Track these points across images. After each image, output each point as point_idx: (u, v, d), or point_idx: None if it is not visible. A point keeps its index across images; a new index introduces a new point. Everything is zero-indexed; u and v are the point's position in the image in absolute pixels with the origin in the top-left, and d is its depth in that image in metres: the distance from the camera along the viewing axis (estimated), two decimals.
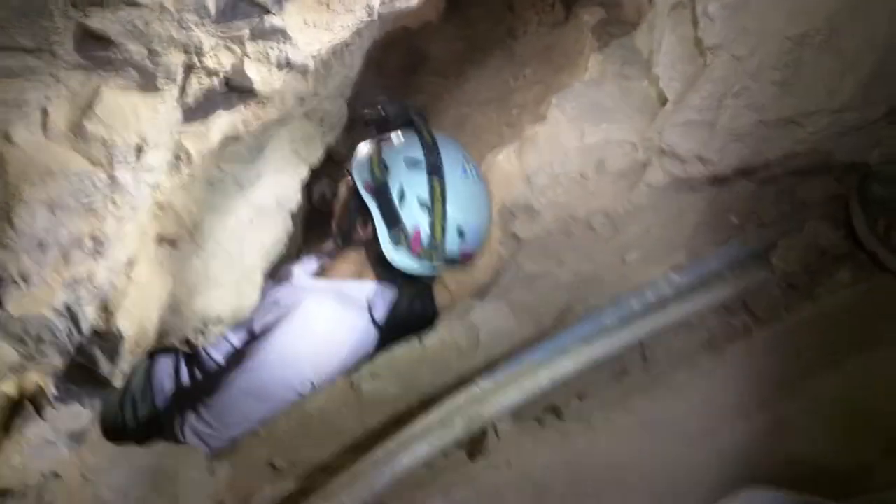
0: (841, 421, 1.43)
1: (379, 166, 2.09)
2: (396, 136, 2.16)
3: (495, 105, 2.71)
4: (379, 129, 2.25)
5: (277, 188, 1.96)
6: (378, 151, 2.12)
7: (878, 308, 1.57)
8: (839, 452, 1.39)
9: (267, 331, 2.05)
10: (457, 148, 2.19)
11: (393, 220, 2.06)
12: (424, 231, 2.06)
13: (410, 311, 2.20)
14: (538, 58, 2.66)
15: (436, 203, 2.04)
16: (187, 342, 2.09)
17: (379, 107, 2.29)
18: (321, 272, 2.29)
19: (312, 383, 1.96)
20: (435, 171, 2.07)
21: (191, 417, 1.98)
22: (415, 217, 2.06)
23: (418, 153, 2.09)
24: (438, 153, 2.10)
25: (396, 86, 3.01)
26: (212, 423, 1.95)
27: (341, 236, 2.24)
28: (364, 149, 2.19)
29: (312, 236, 2.76)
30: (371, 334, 2.12)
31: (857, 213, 1.72)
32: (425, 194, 2.07)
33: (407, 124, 2.19)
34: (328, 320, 2.06)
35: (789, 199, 1.84)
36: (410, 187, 2.07)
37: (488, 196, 2.20)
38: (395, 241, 2.07)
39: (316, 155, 1.99)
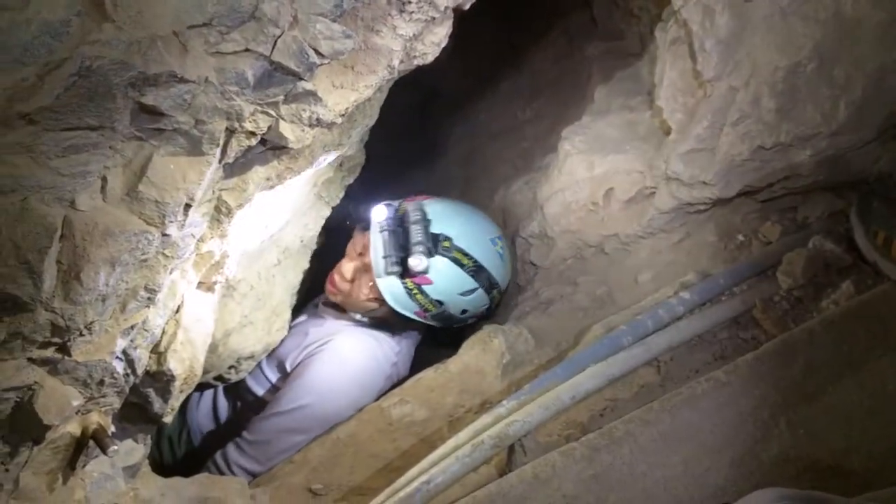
0: (854, 424, 1.49)
1: (433, 304, 2.11)
2: (436, 273, 2.06)
3: (505, 138, 2.78)
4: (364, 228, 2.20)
5: (301, 230, 2.07)
6: (423, 293, 2.08)
7: (881, 316, 1.64)
8: (853, 454, 1.46)
9: (302, 366, 2.14)
10: (482, 230, 2.16)
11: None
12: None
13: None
14: (545, 91, 2.74)
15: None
16: (220, 378, 2.20)
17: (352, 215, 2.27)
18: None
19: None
20: (492, 287, 2.14)
21: (233, 452, 2.07)
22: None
23: (469, 283, 2.10)
24: (485, 269, 2.10)
25: (408, 123, 3.10)
26: (255, 457, 2.04)
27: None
28: (397, 288, 2.08)
29: None
30: (403, 358, 2.23)
31: (857, 227, 1.80)
32: (486, 307, 2.19)
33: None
34: (360, 353, 2.16)
35: (792, 216, 1.92)
36: (474, 307, 2.16)
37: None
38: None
39: (337, 197, 2.09)
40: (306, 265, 2.29)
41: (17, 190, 0.94)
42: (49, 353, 1.09)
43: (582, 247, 2.10)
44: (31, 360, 1.08)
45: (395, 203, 2.16)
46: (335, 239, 2.33)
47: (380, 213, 2.08)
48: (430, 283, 2.05)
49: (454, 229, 2.08)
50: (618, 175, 2.02)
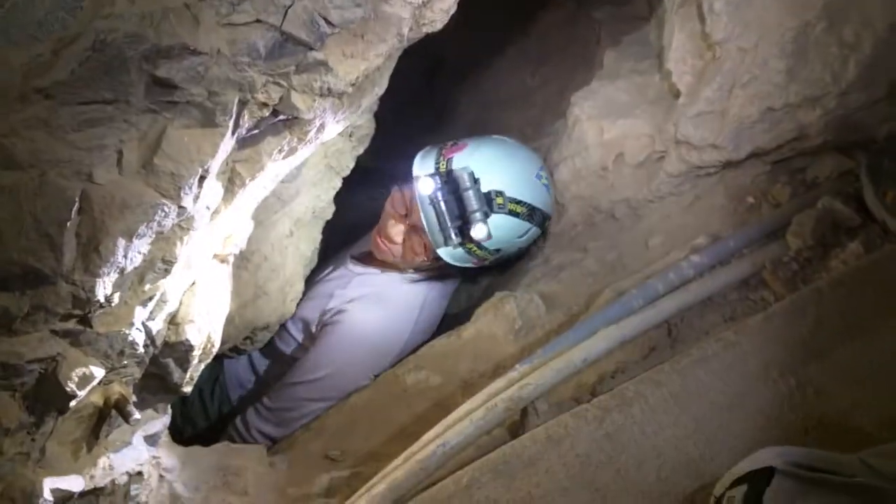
0: (862, 383, 1.51)
1: (492, 253, 2.13)
2: (494, 229, 2.06)
3: (514, 105, 2.77)
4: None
5: (313, 201, 2.09)
6: (483, 248, 2.10)
7: (891, 276, 1.64)
8: (860, 412, 1.47)
9: (323, 333, 2.19)
10: (527, 169, 2.15)
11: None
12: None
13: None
14: (553, 56, 2.73)
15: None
16: (237, 349, 2.23)
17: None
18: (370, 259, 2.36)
19: (375, 376, 2.10)
20: (544, 220, 2.17)
21: (253, 417, 2.11)
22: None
23: (525, 226, 2.12)
24: (537, 209, 2.12)
25: (416, 90, 3.09)
26: (275, 422, 2.08)
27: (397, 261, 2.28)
28: (457, 251, 2.10)
29: None
30: (434, 298, 2.28)
31: (867, 186, 1.79)
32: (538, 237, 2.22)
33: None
34: (375, 323, 2.18)
35: (801, 178, 1.92)
36: (529, 241, 2.20)
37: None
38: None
39: (347, 167, 2.10)
40: (318, 236, 2.30)
41: (35, 165, 0.96)
42: (71, 325, 1.12)
43: (592, 212, 2.11)
44: (53, 332, 1.11)
45: (434, 160, 2.11)
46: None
47: (426, 187, 2.02)
48: (489, 239, 2.06)
49: (503, 180, 2.06)
50: (627, 140, 2.02)
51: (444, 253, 2.09)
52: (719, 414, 1.48)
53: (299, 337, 2.30)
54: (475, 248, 2.07)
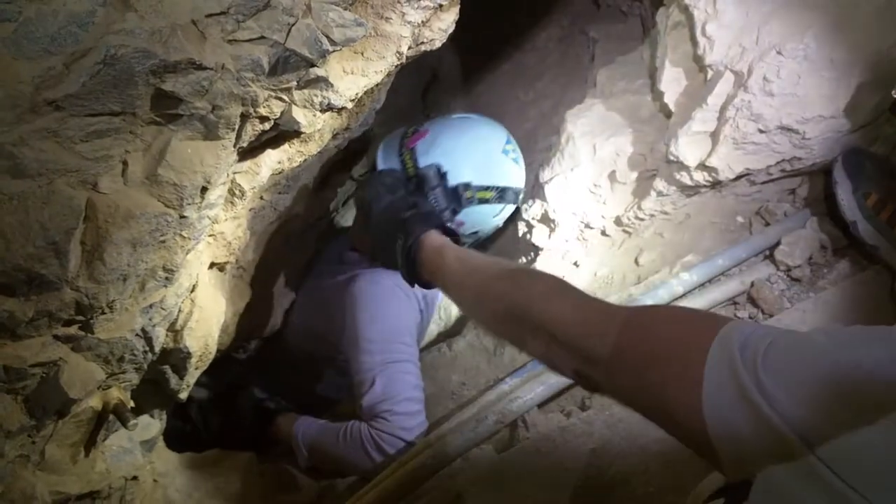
0: None
1: (468, 237, 2.15)
2: (465, 217, 2.10)
3: (508, 119, 2.79)
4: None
5: (307, 212, 2.11)
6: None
7: (875, 297, 1.68)
8: None
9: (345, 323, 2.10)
10: (492, 147, 2.13)
11: None
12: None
13: None
14: (547, 72, 2.76)
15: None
16: (229, 357, 2.24)
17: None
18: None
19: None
20: (516, 196, 2.17)
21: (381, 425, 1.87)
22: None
23: (497, 207, 2.13)
24: (508, 189, 2.13)
25: (411, 104, 3.12)
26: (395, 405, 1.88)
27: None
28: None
29: None
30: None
31: (842, 183, 1.80)
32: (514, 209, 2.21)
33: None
34: (379, 283, 2.10)
35: (791, 198, 1.95)
36: (504, 218, 2.21)
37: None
38: None
39: (343, 179, 2.13)
40: (313, 245, 2.33)
41: (43, 174, 0.98)
42: (73, 330, 1.14)
43: (583, 229, 2.14)
44: (56, 337, 1.12)
45: (396, 152, 2.10)
46: None
47: None
48: (462, 224, 2.08)
49: (468, 167, 2.05)
50: (620, 157, 2.05)
51: None
52: None
53: (311, 321, 2.28)
54: None
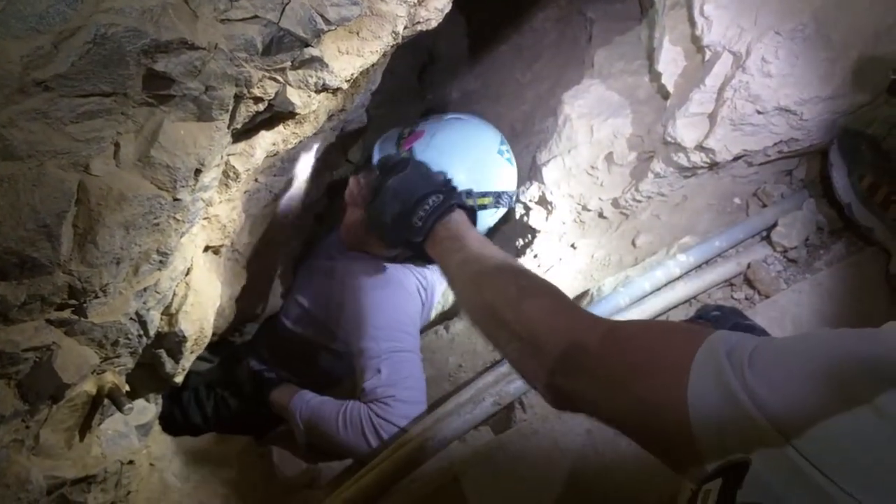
0: None
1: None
2: None
3: (506, 100, 2.79)
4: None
5: (304, 195, 2.10)
6: None
7: (870, 278, 1.67)
8: None
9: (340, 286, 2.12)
10: (487, 149, 2.17)
11: None
12: None
13: None
14: (545, 53, 2.74)
15: None
16: (224, 340, 2.23)
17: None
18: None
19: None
20: (510, 199, 2.22)
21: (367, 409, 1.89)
22: None
23: (494, 211, 2.18)
24: (503, 193, 2.18)
25: (407, 85, 3.10)
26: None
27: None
28: None
29: None
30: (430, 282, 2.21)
31: (838, 166, 1.79)
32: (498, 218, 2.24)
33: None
34: (379, 275, 2.12)
35: (788, 180, 1.95)
36: (498, 218, 2.24)
37: None
38: None
39: (339, 161, 2.11)
40: (309, 228, 2.31)
41: (33, 155, 0.96)
42: (66, 314, 1.13)
43: (581, 211, 2.13)
44: (49, 321, 1.11)
45: (394, 151, 2.11)
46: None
47: None
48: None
49: (465, 171, 2.07)
50: (617, 139, 2.04)
51: None
52: None
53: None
54: None
